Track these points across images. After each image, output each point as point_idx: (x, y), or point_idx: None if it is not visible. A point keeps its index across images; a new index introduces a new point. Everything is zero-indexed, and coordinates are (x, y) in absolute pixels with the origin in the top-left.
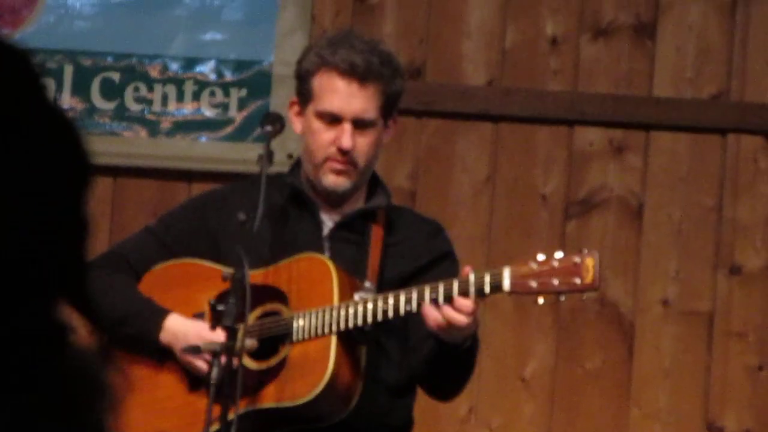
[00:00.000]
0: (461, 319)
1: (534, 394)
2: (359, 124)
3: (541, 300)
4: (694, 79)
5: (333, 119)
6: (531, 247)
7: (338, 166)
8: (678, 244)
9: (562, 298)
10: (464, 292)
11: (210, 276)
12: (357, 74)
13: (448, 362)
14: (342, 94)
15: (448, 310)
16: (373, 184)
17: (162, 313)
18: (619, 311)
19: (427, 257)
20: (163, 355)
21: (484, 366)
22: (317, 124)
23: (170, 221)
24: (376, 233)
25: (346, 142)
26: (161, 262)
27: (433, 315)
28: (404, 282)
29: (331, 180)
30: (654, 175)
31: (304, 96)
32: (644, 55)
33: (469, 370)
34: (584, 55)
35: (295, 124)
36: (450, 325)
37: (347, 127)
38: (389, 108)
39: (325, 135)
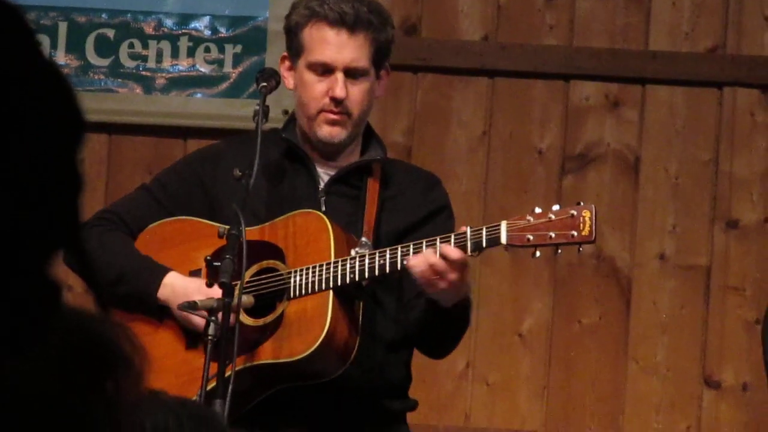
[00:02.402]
0: (443, 266)
1: (531, 350)
2: (351, 74)
3: (537, 253)
4: (690, 33)
5: (325, 70)
6: (527, 203)
7: (332, 117)
8: (675, 199)
9: (559, 251)
10: (461, 246)
11: (206, 233)
12: (346, 23)
13: (440, 324)
14: (332, 44)
15: (431, 256)
16: (368, 137)
17: (161, 270)
18: (616, 266)
19: (423, 211)
20: (160, 314)
21: (481, 322)
22: (309, 77)
23: (166, 179)
24: (372, 186)
25: (339, 91)
26: (157, 220)
27: (418, 264)
28: (401, 236)
29: (326, 131)
30: (650, 129)
31: (295, 49)
32: (640, 8)
33: (461, 331)
34: (580, 10)
35: (287, 79)
36: (436, 274)
37: (339, 76)
38: (380, 57)
39: (317, 86)
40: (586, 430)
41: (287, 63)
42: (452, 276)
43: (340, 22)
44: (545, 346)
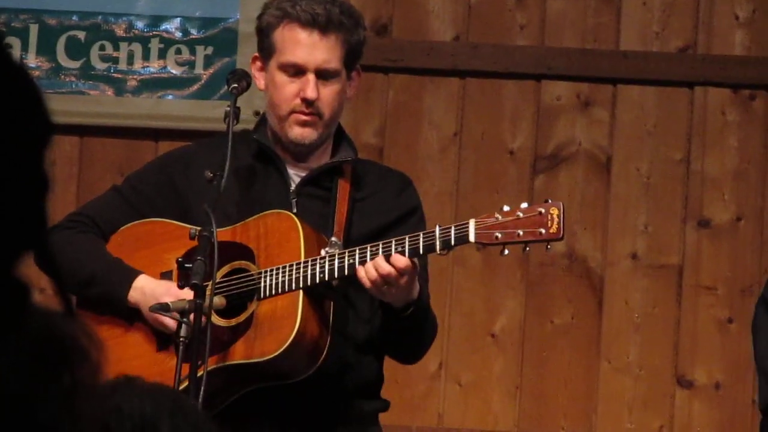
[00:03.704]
0: (392, 272)
1: (504, 350)
2: (322, 75)
3: (506, 251)
4: (661, 33)
5: (296, 71)
6: (499, 203)
7: (303, 118)
8: (646, 198)
9: (528, 248)
10: (430, 245)
11: (178, 235)
12: (318, 25)
13: (395, 327)
14: (304, 45)
15: (381, 263)
16: (339, 138)
17: (132, 273)
18: (588, 265)
19: (395, 213)
20: (131, 316)
21: (454, 322)
22: (281, 77)
23: (137, 181)
24: (343, 187)
25: (311, 92)
26: (129, 222)
27: (364, 273)
28: (373, 238)
29: (297, 132)
30: (622, 128)
31: (267, 50)
32: (611, 9)
33: (424, 334)
34: (551, 10)
35: (258, 80)
36: (384, 281)
37: (311, 77)
38: (352, 58)
39: (289, 88)
40: (559, 429)
41: (258, 63)
42: (401, 282)
43: (312, 23)
44: (518, 346)
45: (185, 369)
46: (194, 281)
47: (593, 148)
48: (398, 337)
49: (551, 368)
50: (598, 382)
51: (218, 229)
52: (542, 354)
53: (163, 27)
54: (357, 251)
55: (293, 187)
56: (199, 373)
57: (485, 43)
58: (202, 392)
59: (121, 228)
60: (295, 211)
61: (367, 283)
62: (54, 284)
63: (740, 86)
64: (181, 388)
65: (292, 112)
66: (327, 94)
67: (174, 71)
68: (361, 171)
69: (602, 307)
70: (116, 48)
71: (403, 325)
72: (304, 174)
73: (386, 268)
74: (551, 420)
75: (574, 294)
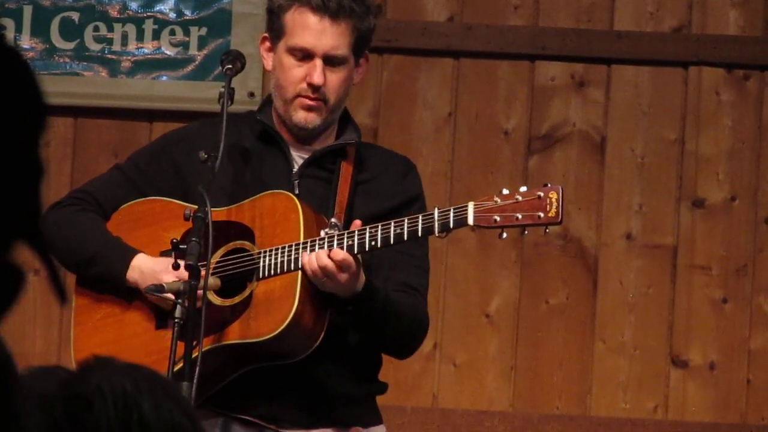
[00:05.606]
0: (330, 265)
1: (498, 330)
2: (330, 61)
3: (504, 234)
4: (655, 13)
5: (304, 55)
6: (494, 183)
7: (309, 102)
8: (641, 178)
9: (526, 231)
10: (429, 227)
11: (178, 213)
12: (329, 10)
13: (347, 320)
14: (313, 30)
15: (322, 255)
16: (344, 121)
17: (130, 252)
18: (582, 246)
19: (398, 198)
20: (131, 294)
21: (449, 302)
22: (288, 60)
23: (139, 159)
24: (346, 169)
25: (317, 77)
26: (131, 200)
27: (310, 264)
28: (373, 220)
29: (302, 116)
30: (616, 109)
31: (276, 32)
32: None
33: (384, 332)
34: None
35: (266, 60)
36: (323, 273)
37: (318, 63)
38: (361, 46)
39: (296, 71)
40: (553, 410)
41: (267, 44)
42: (339, 277)
43: (323, 8)
44: (512, 327)
45: (181, 349)
46: (189, 262)
47: (588, 129)
48: (363, 329)
49: (546, 349)
50: (592, 363)
51: (218, 209)
52: (537, 334)
53: (157, 8)
54: (356, 233)
55: (296, 168)
56: (195, 354)
57: (479, 23)
58: (197, 372)
59: (123, 206)
60: (297, 192)
61: (309, 273)
62: (47, 270)
63: (734, 66)
64: (176, 368)
65: (298, 95)
66: (333, 80)
67: (168, 52)
68: (364, 154)
69: (597, 288)
70: (110, 29)
71: (351, 317)
72: (307, 156)
73: (324, 260)
74: (546, 400)
75: (568, 274)
